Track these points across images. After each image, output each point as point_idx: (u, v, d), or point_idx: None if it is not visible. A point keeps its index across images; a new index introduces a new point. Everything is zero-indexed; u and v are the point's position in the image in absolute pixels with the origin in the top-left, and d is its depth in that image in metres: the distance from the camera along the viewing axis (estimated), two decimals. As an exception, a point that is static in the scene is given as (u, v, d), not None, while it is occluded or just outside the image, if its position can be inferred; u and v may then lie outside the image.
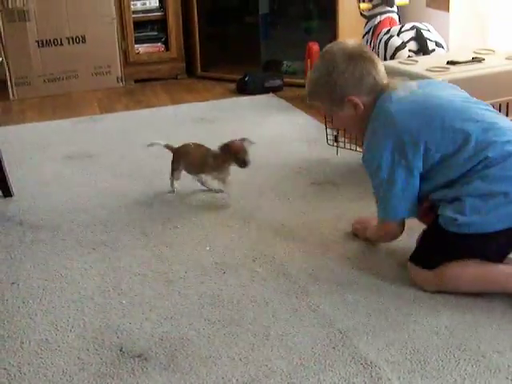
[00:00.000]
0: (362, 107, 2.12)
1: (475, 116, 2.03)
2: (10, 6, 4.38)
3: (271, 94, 4.32)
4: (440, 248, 2.05)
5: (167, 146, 2.88)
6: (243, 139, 2.69)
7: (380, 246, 2.33)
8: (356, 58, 2.10)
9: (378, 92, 2.11)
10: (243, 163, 2.64)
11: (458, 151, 1.98)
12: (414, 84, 2.18)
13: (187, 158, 2.81)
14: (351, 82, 2.10)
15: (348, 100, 2.11)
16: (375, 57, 2.15)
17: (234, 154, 2.65)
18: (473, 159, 1.96)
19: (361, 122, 2.16)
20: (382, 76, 2.13)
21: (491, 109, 2.13)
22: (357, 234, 2.42)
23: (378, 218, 2.18)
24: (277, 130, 3.65)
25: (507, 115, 2.83)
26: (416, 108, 2.06)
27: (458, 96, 2.14)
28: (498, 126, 2.02)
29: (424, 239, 2.15)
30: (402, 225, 2.14)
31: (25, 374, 1.76)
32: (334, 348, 1.81)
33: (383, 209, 2.13)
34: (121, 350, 1.84)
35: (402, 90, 2.11)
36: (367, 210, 2.58)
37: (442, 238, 2.04)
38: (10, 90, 4.55)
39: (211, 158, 2.72)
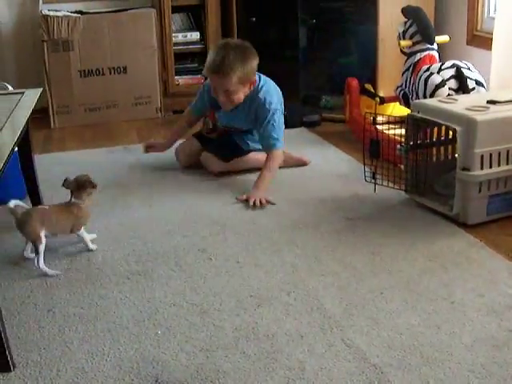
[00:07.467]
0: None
1: None
2: (55, 37, 4.46)
3: (304, 128, 4.32)
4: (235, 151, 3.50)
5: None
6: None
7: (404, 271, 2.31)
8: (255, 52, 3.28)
9: None
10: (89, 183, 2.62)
11: None
12: None
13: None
14: (255, 68, 3.27)
15: (251, 81, 3.29)
16: None
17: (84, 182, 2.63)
18: None
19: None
20: None
21: None
22: None
23: (276, 149, 3.30)
24: (308, 165, 3.65)
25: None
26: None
27: None
28: None
29: (223, 145, 3.52)
30: None
31: (60, 401, 1.77)
32: (369, 385, 1.80)
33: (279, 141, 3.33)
34: (156, 381, 1.84)
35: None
36: (401, 247, 2.58)
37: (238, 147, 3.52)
38: (51, 119, 4.62)
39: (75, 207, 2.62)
